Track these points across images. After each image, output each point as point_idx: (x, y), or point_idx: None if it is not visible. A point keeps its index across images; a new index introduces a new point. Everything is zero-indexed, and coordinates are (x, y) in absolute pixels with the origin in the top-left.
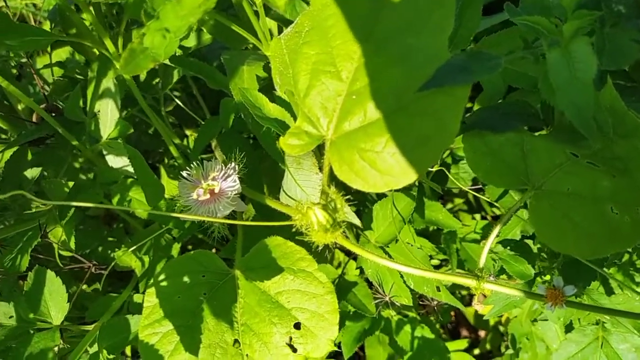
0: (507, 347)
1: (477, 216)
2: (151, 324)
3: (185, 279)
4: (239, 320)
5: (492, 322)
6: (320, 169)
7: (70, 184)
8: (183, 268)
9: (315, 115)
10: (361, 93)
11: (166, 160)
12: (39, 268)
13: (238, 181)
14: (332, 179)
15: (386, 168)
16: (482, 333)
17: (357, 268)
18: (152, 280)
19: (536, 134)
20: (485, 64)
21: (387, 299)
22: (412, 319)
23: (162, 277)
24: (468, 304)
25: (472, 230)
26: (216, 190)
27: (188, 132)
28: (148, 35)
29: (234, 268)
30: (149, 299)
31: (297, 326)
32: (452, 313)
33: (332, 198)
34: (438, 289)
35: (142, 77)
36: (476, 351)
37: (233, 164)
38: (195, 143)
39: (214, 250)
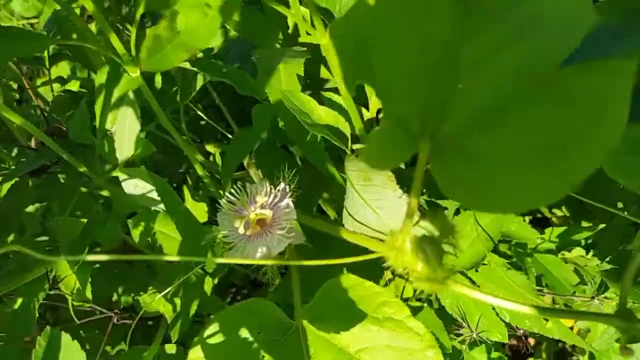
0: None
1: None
2: None
3: (240, 336)
4: None
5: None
6: (400, 183)
7: (83, 220)
8: (234, 323)
9: (406, 112)
10: (470, 80)
11: (189, 182)
12: (52, 332)
13: (292, 206)
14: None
15: (524, 181)
16: (531, 340)
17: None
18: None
19: None
20: None
21: (474, 335)
22: (488, 345)
23: (209, 334)
24: None
25: (546, 240)
26: (267, 220)
27: (210, 148)
28: (181, 14)
29: (296, 318)
30: None
31: None
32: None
33: (429, 218)
34: (546, 320)
35: (158, 85)
36: None
37: (283, 184)
38: (227, 159)
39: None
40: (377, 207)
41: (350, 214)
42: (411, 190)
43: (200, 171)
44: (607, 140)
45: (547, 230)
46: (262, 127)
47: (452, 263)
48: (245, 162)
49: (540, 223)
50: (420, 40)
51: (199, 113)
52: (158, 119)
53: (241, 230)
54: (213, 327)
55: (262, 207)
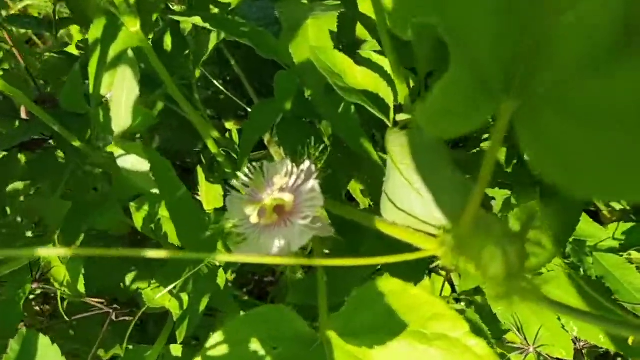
0: None
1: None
2: None
3: (249, 351)
4: None
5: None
6: (459, 162)
7: (68, 203)
8: (246, 333)
9: (483, 60)
10: (572, 25)
11: (204, 162)
12: (27, 333)
13: (319, 189)
14: None
15: None
16: None
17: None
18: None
19: None
20: None
21: (531, 350)
22: None
23: (214, 347)
24: None
25: (608, 237)
26: (288, 207)
27: (229, 126)
28: None
29: (321, 330)
30: None
31: None
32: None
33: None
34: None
35: (167, 47)
36: None
37: (308, 163)
38: (244, 135)
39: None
40: (426, 192)
41: (390, 201)
42: (481, 166)
43: (213, 149)
44: None
45: (611, 227)
46: (285, 97)
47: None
48: (266, 140)
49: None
50: None
51: (217, 86)
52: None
53: (254, 219)
54: (218, 338)
55: (281, 190)
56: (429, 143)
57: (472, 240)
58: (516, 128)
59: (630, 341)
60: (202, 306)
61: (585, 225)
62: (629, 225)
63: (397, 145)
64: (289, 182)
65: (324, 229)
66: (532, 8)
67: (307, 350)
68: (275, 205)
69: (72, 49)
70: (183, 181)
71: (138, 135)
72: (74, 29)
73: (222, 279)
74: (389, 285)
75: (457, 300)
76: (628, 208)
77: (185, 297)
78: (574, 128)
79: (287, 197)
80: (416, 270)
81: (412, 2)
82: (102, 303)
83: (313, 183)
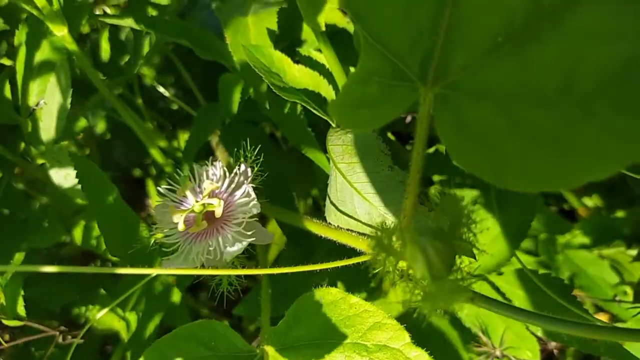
0: None
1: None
2: None
3: None
4: None
5: None
6: (393, 156)
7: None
8: (176, 354)
9: (397, 47)
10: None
11: (154, 172)
12: None
13: (253, 194)
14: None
15: (579, 136)
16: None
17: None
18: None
19: None
20: None
21: (497, 352)
22: None
23: None
24: None
25: (578, 233)
26: (218, 213)
27: (182, 135)
28: None
29: (261, 344)
30: None
31: None
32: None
33: (437, 207)
34: (594, 340)
35: (105, 56)
36: None
37: (243, 166)
38: (188, 142)
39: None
40: (367, 192)
41: (333, 204)
42: (410, 163)
43: (159, 158)
44: None
45: (581, 222)
46: (229, 99)
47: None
48: (214, 144)
49: (567, 216)
50: None
51: (168, 95)
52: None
53: (181, 227)
54: (147, 358)
55: (212, 195)
56: (368, 141)
57: (397, 242)
58: (435, 118)
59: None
60: (152, 326)
61: (554, 222)
62: (599, 220)
63: (337, 145)
64: (221, 187)
65: (261, 235)
66: None
67: None
68: (205, 211)
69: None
70: (138, 195)
71: (87, 152)
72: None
73: (177, 295)
74: (328, 295)
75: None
76: (600, 205)
77: (133, 317)
78: (493, 113)
79: (216, 202)
80: (363, 275)
81: None
82: (47, 326)
83: (247, 187)
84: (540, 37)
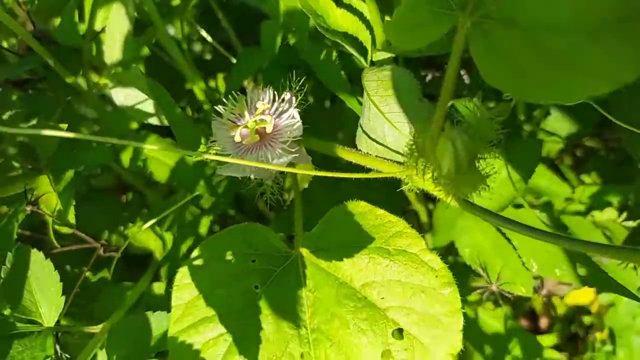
0: (575, 337)
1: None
2: (184, 330)
3: (230, 264)
4: (308, 324)
5: (561, 311)
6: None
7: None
8: (225, 249)
9: None
10: None
11: (189, 112)
12: (21, 247)
13: (298, 117)
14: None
15: (585, 60)
16: (543, 322)
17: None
18: (179, 269)
19: None
20: None
21: (493, 287)
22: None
23: (196, 261)
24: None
25: (576, 200)
26: (268, 130)
27: (213, 84)
28: None
29: (296, 247)
30: (179, 295)
31: (398, 334)
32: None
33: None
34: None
35: None
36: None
37: (289, 94)
38: (231, 78)
39: None
40: (398, 121)
41: (365, 132)
42: (442, 87)
43: (200, 95)
44: None
45: (578, 189)
46: (270, 44)
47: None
48: (249, 89)
49: None
50: None
51: (208, 40)
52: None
53: (237, 139)
54: (201, 255)
55: (263, 114)
56: (399, 76)
57: (431, 145)
58: (470, 44)
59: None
60: (185, 248)
61: (553, 184)
62: (595, 188)
63: (372, 80)
64: (271, 108)
65: (301, 156)
66: None
67: (282, 265)
68: (258, 128)
69: None
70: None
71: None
72: None
73: (205, 226)
74: (357, 207)
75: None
76: (598, 182)
77: (169, 237)
78: (519, 39)
79: (269, 119)
80: (390, 203)
81: None
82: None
83: (293, 111)
84: None
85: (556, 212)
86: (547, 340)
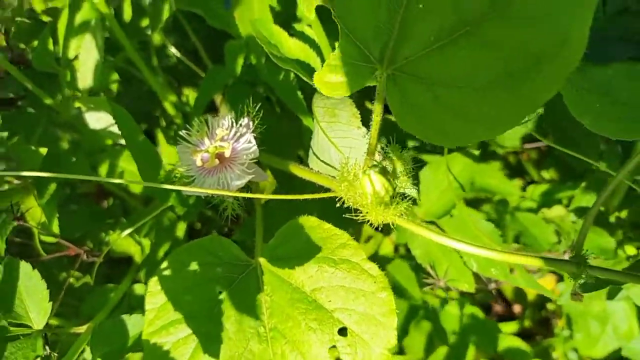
0: (547, 321)
1: (518, 181)
2: (156, 332)
3: (196, 272)
4: (266, 324)
5: (531, 297)
6: (364, 121)
7: (43, 150)
8: (191, 259)
9: (364, 37)
10: (422, 11)
11: (163, 123)
12: (10, 260)
13: (254, 141)
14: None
15: (476, 110)
16: (516, 308)
17: (395, 247)
18: (154, 274)
19: None
20: None
21: (441, 283)
22: (460, 300)
23: (166, 271)
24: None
25: (528, 198)
26: (227, 154)
27: (187, 91)
28: None
29: (255, 257)
30: (152, 300)
31: (343, 332)
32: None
33: (389, 158)
34: (511, 271)
35: (127, 17)
36: (513, 327)
37: (246, 119)
38: (198, 98)
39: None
40: (341, 145)
41: (315, 154)
42: (371, 123)
43: (171, 110)
44: (568, 63)
45: (530, 188)
46: (234, 64)
47: (424, 213)
48: (218, 101)
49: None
50: None
51: (177, 55)
52: (127, 53)
53: (198, 163)
54: (170, 264)
55: (222, 140)
56: (344, 106)
57: (355, 179)
58: (387, 93)
59: (514, 274)
60: (162, 252)
61: (502, 185)
62: (545, 186)
63: (320, 107)
64: (229, 134)
65: (259, 174)
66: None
67: (244, 271)
68: (217, 152)
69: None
70: None
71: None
72: None
73: (181, 230)
74: (308, 222)
75: (396, 250)
76: (555, 177)
77: (147, 242)
78: (425, 91)
79: (226, 145)
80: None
81: None
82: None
83: (249, 136)
84: (456, 42)
85: (510, 209)
86: (509, 327)
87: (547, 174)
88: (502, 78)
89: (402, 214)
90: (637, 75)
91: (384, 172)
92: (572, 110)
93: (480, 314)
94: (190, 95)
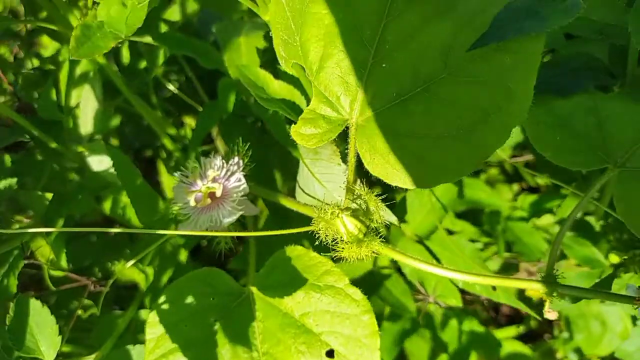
0: (553, 323)
1: (515, 187)
2: None
3: (192, 303)
4: (259, 348)
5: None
6: (344, 158)
7: (48, 195)
8: (188, 290)
9: (334, 93)
10: (393, 59)
11: (164, 155)
12: (21, 297)
13: (244, 180)
14: (361, 170)
15: (435, 158)
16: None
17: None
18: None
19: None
20: (559, 6)
21: (430, 299)
22: (459, 312)
23: (164, 302)
24: None
25: (519, 207)
26: (218, 194)
27: (187, 120)
28: (102, 5)
29: (247, 286)
30: (151, 330)
31: (330, 354)
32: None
33: (362, 197)
34: (494, 288)
35: (126, 61)
36: (521, 329)
37: (236, 158)
38: (194, 134)
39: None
40: (324, 180)
41: (300, 187)
42: (347, 166)
43: (169, 145)
44: (514, 118)
45: (520, 198)
46: (226, 99)
47: (412, 231)
48: (214, 134)
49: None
50: (348, 21)
51: (171, 88)
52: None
53: (192, 203)
54: (168, 296)
55: (213, 180)
56: (325, 145)
57: (331, 219)
58: (357, 140)
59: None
60: (166, 278)
61: (491, 198)
62: (534, 196)
63: (304, 146)
64: (220, 174)
65: (249, 208)
66: (366, 54)
67: (237, 300)
68: (209, 192)
69: (45, 65)
70: (148, 172)
71: (106, 134)
72: (44, 38)
73: (184, 255)
74: (294, 251)
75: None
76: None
77: (150, 271)
78: (391, 141)
79: (217, 186)
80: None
81: (289, 50)
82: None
83: (239, 175)
84: (414, 98)
85: (502, 219)
86: (508, 332)
87: (541, 180)
88: (455, 129)
89: (373, 251)
90: (590, 107)
91: (355, 213)
92: (535, 145)
93: (478, 327)
94: (189, 123)
